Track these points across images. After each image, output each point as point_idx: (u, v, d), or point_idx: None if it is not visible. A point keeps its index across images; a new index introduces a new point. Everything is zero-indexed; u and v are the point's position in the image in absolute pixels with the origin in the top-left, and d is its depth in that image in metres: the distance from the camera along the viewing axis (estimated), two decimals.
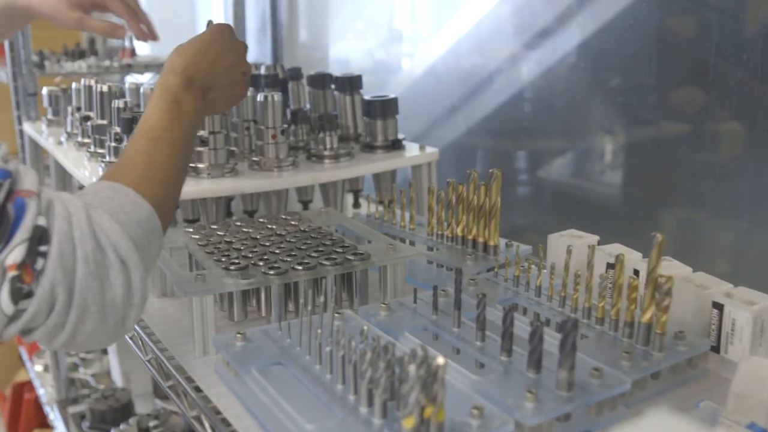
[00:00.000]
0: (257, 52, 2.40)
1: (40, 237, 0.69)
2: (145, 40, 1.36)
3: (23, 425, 2.67)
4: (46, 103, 1.78)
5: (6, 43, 1.93)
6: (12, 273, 0.67)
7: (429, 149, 1.37)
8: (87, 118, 1.47)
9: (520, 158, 1.65)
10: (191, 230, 1.10)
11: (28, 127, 1.87)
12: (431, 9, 1.93)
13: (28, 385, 2.71)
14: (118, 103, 1.30)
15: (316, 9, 2.27)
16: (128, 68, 2.15)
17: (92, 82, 1.47)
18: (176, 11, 3.36)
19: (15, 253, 0.67)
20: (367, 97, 1.41)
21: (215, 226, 1.12)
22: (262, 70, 1.63)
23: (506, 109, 1.63)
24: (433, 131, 1.83)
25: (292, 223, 1.13)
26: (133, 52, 2.32)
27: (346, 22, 2.19)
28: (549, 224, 1.06)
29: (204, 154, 1.21)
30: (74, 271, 0.71)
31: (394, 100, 1.38)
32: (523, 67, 1.57)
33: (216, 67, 0.97)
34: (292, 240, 1.04)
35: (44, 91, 1.79)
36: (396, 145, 1.38)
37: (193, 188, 1.16)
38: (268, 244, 1.03)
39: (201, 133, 1.21)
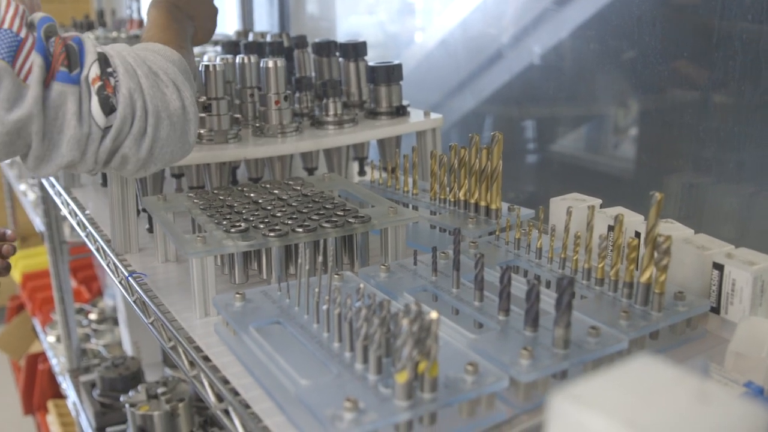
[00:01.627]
0: (266, 24, 2.39)
1: (104, 60, 0.82)
2: None
3: (37, 395, 2.71)
4: None
5: None
6: (97, 84, 0.79)
7: (434, 115, 1.36)
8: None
9: (529, 127, 1.65)
10: (193, 195, 1.10)
11: None
12: None
13: (41, 356, 2.74)
14: None
15: None
16: (136, 39, 2.14)
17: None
18: None
19: (92, 70, 0.80)
20: (371, 63, 1.40)
21: (218, 191, 1.12)
22: (268, 38, 1.63)
23: (515, 79, 1.62)
24: (445, 104, 1.82)
25: (295, 188, 1.13)
26: (141, 23, 2.32)
27: None
28: (555, 191, 1.06)
29: (207, 120, 1.21)
30: (140, 83, 0.83)
31: (399, 66, 1.37)
32: (532, 39, 1.56)
33: (194, 1, 1.15)
34: (293, 204, 1.04)
35: None
36: (401, 112, 1.37)
37: (197, 153, 1.16)
38: (269, 207, 1.03)
39: (203, 99, 1.21)
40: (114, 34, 2.18)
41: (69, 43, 0.81)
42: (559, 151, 1.56)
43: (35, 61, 0.77)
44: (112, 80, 0.81)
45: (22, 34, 0.78)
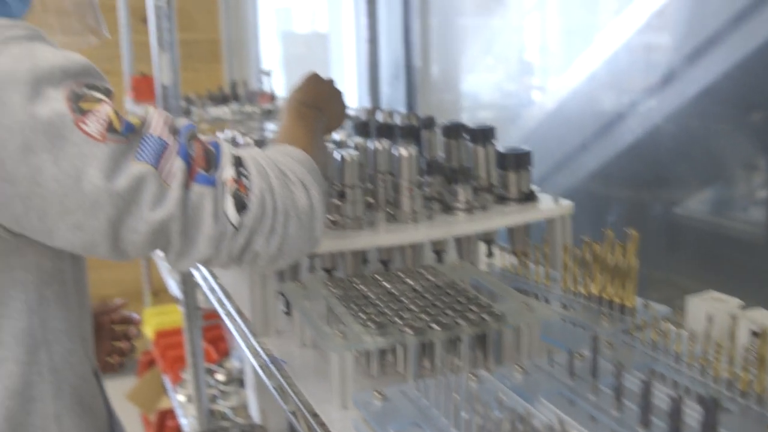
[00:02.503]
0: (390, 97, 2.46)
1: (238, 162, 0.89)
2: None
3: None
4: None
5: (158, 87, 2.06)
6: (232, 186, 0.86)
7: (563, 202, 1.37)
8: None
9: (654, 200, 1.63)
10: (330, 283, 1.15)
11: None
12: (563, 42, 1.93)
13: (170, 413, 2.85)
14: None
15: (447, 49, 2.31)
16: (268, 114, 2.25)
17: (237, 134, 1.56)
18: (311, 48, 3.48)
19: (227, 172, 0.87)
20: (501, 149, 1.42)
21: (353, 279, 1.16)
22: (397, 120, 1.68)
23: (640, 146, 1.60)
24: (564, 168, 1.82)
25: (428, 277, 1.16)
26: (272, 97, 2.43)
27: (477, 57, 2.21)
28: (686, 274, 1.05)
29: (342, 207, 1.26)
30: (271, 184, 0.90)
31: (528, 154, 1.39)
32: (658, 102, 1.55)
33: (321, 94, 1.26)
34: (427, 296, 1.07)
35: None
36: (529, 197, 1.39)
37: (332, 242, 1.21)
38: (404, 300, 1.06)
39: (339, 186, 1.27)
40: (248, 108, 2.29)
41: (208, 147, 0.89)
42: (688, 226, 1.53)
43: (178, 165, 0.84)
44: (245, 181, 0.88)
45: (168, 139, 0.85)
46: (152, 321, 3.35)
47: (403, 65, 2.40)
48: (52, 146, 0.79)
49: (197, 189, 0.85)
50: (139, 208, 0.82)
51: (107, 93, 0.85)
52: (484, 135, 1.48)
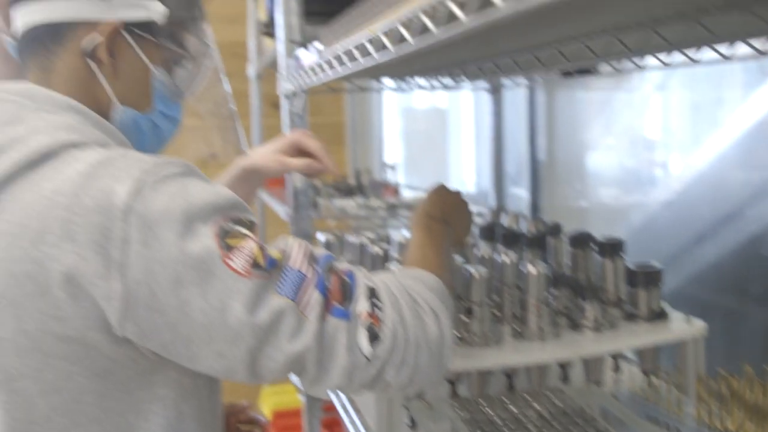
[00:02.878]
0: (514, 201, 2.46)
1: (372, 293, 0.92)
2: (333, 172, 1.56)
3: None
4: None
5: (290, 187, 2.14)
6: (365, 320, 0.90)
7: (695, 322, 1.33)
8: None
9: None
10: (456, 404, 1.15)
11: None
12: (688, 123, 1.89)
13: None
14: (392, 269, 1.40)
15: (570, 135, 2.30)
16: (393, 208, 2.30)
17: (366, 241, 1.60)
18: (430, 122, 3.54)
19: (361, 305, 0.90)
20: (630, 265, 1.40)
21: (479, 400, 1.16)
22: (523, 225, 1.68)
23: None
24: (687, 253, 1.75)
25: (555, 402, 1.15)
26: (396, 190, 2.48)
27: (597, 137, 2.19)
28: None
29: (469, 323, 1.27)
30: (403, 315, 0.92)
31: (659, 272, 1.37)
32: None
33: (449, 207, 1.29)
34: (555, 425, 1.06)
35: (320, 236, 1.96)
36: (660, 316, 1.36)
37: (460, 360, 1.22)
38: (532, 429, 1.06)
39: (466, 302, 1.28)
40: (373, 202, 2.34)
41: (344, 278, 0.93)
42: None
43: (316, 298, 0.89)
44: (378, 313, 0.91)
45: (306, 272, 0.90)
46: (270, 401, 3.41)
47: (527, 159, 2.41)
48: (200, 281, 0.85)
49: (333, 322, 0.89)
50: (277, 339, 0.87)
51: (251, 226, 0.91)
52: (612, 248, 1.46)
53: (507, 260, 1.39)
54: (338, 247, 1.94)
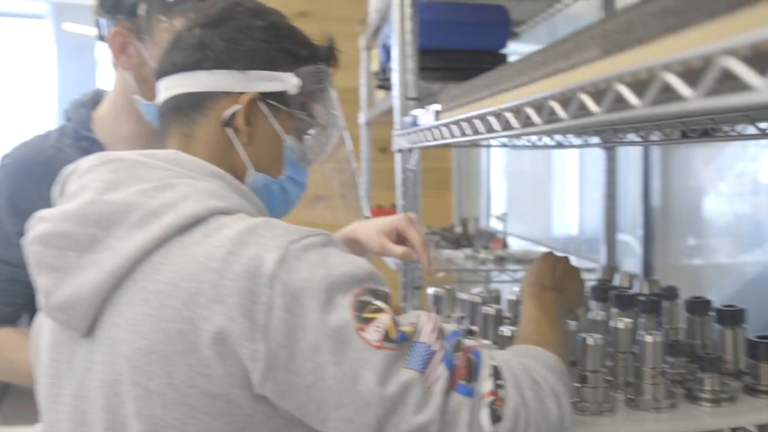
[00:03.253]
0: (621, 248, 2.42)
1: (495, 372, 0.95)
2: (428, 272, 1.57)
3: None
4: (430, 302, 1.96)
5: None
6: (488, 399, 0.92)
7: None
8: (470, 332, 1.59)
9: None
10: None
11: None
12: None
13: None
14: (504, 331, 1.40)
15: (684, 187, 2.25)
16: (501, 261, 2.30)
17: (478, 298, 1.60)
18: (534, 165, 3.52)
19: (486, 385, 0.93)
20: (752, 336, 1.36)
21: None
22: (635, 287, 1.66)
23: None
24: None
25: None
26: (504, 243, 2.48)
27: (712, 184, 2.14)
28: None
29: (583, 390, 1.26)
30: (524, 396, 0.94)
31: None
32: None
33: (559, 275, 1.30)
34: None
35: (430, 291, 1.98)
36: None
37: (573, 429, 1.20)
38: None
39: (580, 369, 1.27)
40: (482, 255, 2.34)
41: (470, 356, 0.96)
42: None
43: (442, 373, 0.92)
44: (501, 392, 0.93)
45: (435, 346, 0.93)
46: None
47: (640, 210, 2.37)
48: (336, 350, 0.89)
49: (456, 398, 0.91)
50: (404, 411, 0.89)
51: (386, 298, 0.96)
52: (733, 318, 1.42)
53: (622, 326, 1.38)
54: (448, 301, 1.95)
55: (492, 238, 2.60)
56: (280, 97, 1.12)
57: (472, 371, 0.94)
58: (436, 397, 0.90)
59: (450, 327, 0.99)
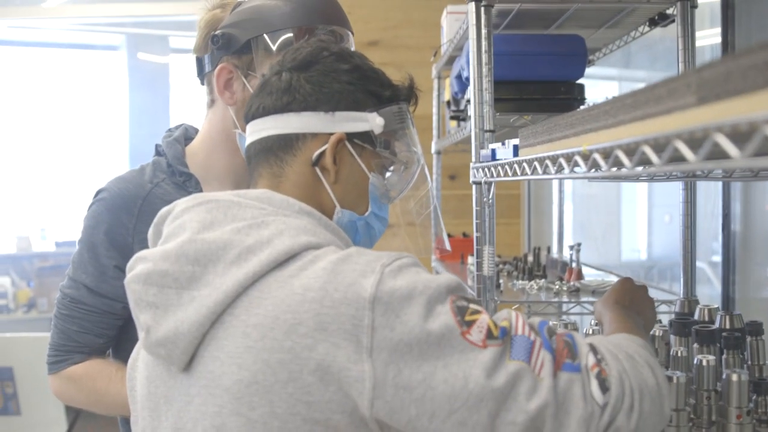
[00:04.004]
0: (708, 290, 2.38)
1: (593, 349, 1.01)
2: None
3: None
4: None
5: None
6: (595, 370, 0.98)
7: None
8: None
9: None
10: None
11: None
12: None
13: None
14: None
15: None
16: (576, 292, 2.28)
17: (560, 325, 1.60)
18: (605, 188, 3.48)
19: (590, 359, 0.99)
20: None
21: None
22: (717, 320, 1.63)
23: None
24: None
25: None
26: (579, 274, 2.45)
27: None
28: None
29: (667, 430, 1.24)
30: (623, 366, 1.00)
31: None
32: None
33: (637, 299, 1.35)
34: None
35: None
36: None
37: None
38: None
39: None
40: (556, 285, 2.33)
41: (565, 338, 1.01)
42: None
43: (546, 357, 0.97)
44: (603, 364, 0.99)
45: (532, 337, 0.97)
46: None
47: (720, 241, 2.33)
48: (443, 354, 0.94)
49: (565, 376, 0.96)
50: (516, 400, 0.94)
51: (478, 302, 1.01)
52: None
53: (705, 363, 1.36)
54: None
55: (566, 268, 2.57)
56: (365, 136, 1.17)
57: (572, 350, 0.99)
58: (546, 380, 0.94)
59: (536, 319, 1.03)
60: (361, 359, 0.93)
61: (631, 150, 0.79)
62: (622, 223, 3.42)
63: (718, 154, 0.63)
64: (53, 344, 1.54)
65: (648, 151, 0.73)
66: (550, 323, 1.04)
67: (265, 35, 1.49)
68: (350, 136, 1.15)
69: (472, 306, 0.98)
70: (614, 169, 0.87)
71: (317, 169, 1.14)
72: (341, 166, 1.15)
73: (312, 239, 1.02)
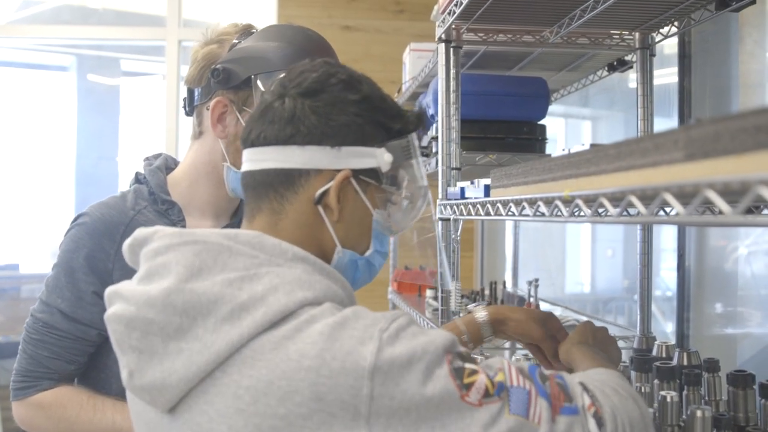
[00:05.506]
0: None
1: (585, 388, 1.03)
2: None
3: None
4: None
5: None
6: (591, 410, 1.01)
7: None
8: None
9: None
10: None
11: None
12: None
13: None
14: None
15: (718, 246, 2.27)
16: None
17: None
18: (548, 232, 3.54)
19: (585, 399, 1.02)
20: None
21: None
22: (674, 358, 1.68)
23: None
24: None
25: None
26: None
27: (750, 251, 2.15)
28: None
29: None
30: (612, 401, 1.03)
31: None
32: None
33: (600, 339, 1.39)
34: None
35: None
36: None
37: None
38: None
39: None
40: None
41: (557, 381, 1.02)
42: None
43: (542, 405, 0.97)
44: (596, 402, 1.02)
45: (526, 386, 0.98)
46: None
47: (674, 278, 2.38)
48: (441, 416, 0.93)
49: (564, 420, 0.98)
50: None
51: (472, 359, 1.00)
52: None
53: (669, 399, 1.40)
54: None
55: (524, 303, 2.62)
56: (371, 172, 1.11)
57: (566, 392, 1.01)
58: (544, 427, 0.95)
59: (524, 364, 1.04)
60: (357, 425, 0.91)
61: (616, 198, 0.82)
62: (567, 257, 3.48)
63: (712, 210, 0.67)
64: (20, 369, 1.50)
65: (634, 200, 0.77)
66: (541, 369, 1.03)
67: (265, 74, 1.51)
68: (356, 173, 1.09)
69: (468, 366, 0.96)
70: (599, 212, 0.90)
71: (319, 207, 1.09)
72: (345, 203, 1.10)
73: (308, 294, 0.98)
